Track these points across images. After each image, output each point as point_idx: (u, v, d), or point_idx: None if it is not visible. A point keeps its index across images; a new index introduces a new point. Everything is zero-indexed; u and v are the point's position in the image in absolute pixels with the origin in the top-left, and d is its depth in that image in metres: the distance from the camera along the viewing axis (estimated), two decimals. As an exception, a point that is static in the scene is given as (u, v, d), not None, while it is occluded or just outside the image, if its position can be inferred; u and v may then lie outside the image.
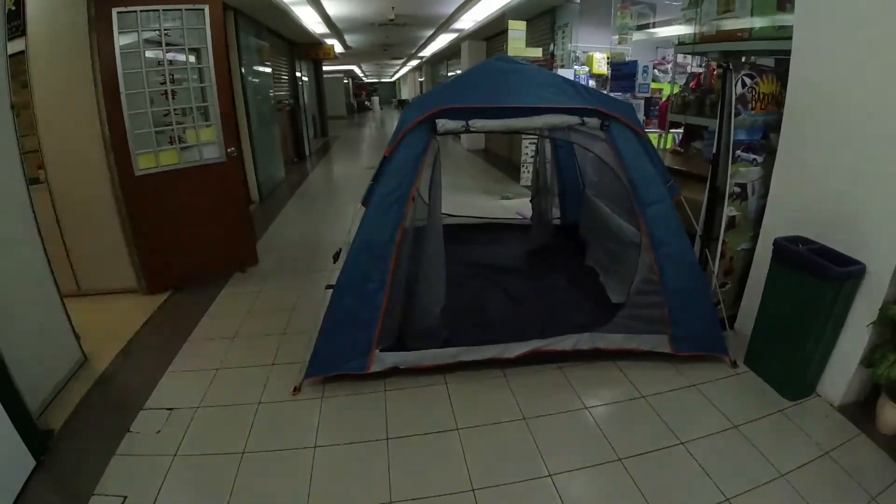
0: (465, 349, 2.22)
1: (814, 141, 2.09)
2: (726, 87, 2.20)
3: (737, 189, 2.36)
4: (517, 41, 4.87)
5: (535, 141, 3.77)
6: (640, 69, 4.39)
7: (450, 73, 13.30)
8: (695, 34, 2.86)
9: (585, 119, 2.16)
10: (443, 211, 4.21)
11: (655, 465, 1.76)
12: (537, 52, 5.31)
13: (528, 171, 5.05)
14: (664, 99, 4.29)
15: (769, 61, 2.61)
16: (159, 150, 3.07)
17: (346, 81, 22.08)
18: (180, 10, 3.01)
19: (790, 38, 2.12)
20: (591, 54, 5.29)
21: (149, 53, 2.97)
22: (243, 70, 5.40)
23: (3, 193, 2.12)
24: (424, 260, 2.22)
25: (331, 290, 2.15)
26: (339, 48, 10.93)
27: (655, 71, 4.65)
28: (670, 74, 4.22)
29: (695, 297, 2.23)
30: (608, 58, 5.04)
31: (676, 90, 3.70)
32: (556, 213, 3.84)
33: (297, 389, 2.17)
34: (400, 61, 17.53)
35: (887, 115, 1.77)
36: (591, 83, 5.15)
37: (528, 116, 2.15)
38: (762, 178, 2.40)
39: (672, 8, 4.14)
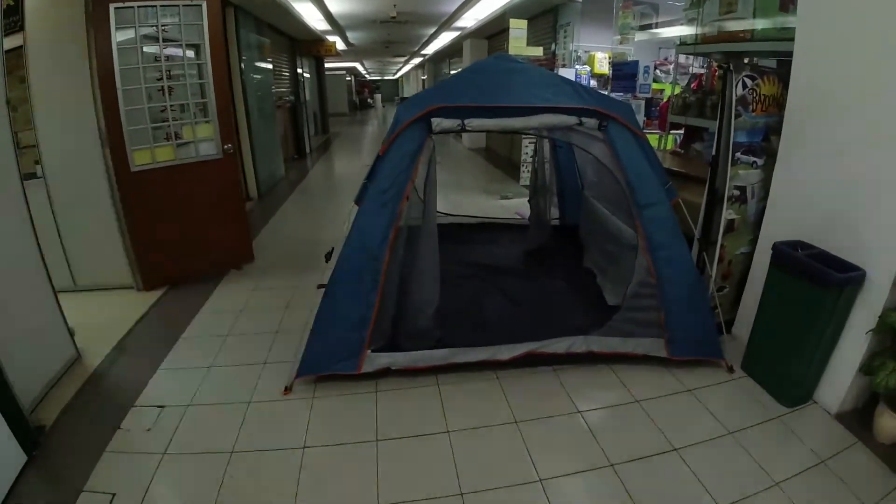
0: (457, 350, 2.20)
1: (815, 144, 2.05)
2: (726, 88, 2.17)
3: (736, 192, 2.33)
4: (518, 40, 4.84)
5: (535, 140, 3.74)
6: (641, 69, 4.35)
7: (451, 72, 13.27)
8: (696, 35, 2.83)
9: (583, 119, 2.13)
10: (441, 210, 4.24)
11: (647, 471, 1.73)
12: (538, 51, 5.27)
13: (528, 171, 5.01)
14: (665, 100, 4.25)
15: (771, 63, 2.58)
16: (155, 146, 3.05)
17: (348, 79, 22.07)
18: (178, 5, 3.00)
19: (792, 39, 2.08)
20: (592, 54, 5.26)
21: (146, 49, 2.96)
22: (243, 66, 5.37)
23: (-4, 188, 2.11)
24: (419, 260, 2.20)
25: (323, 290, 2.13)
26: (340, 45, 10.90)
27: (657, 71, 4.61)
28: (672, 75, 4.18)
29: (692, 301, 2.21)
30: (610, 58, 5.00)
31: (677, 91, 3.66)
32: (555, 213, 3.82)
33: (287, 389, 2.15)
34: (402, 59, 17.49)
35: (890, 119, 1.74)
36: (593, 83, 5.11)
37: (525, 116, 2.13)
38: (762, 182, 2.37)
39: (675, 8, 4.10)
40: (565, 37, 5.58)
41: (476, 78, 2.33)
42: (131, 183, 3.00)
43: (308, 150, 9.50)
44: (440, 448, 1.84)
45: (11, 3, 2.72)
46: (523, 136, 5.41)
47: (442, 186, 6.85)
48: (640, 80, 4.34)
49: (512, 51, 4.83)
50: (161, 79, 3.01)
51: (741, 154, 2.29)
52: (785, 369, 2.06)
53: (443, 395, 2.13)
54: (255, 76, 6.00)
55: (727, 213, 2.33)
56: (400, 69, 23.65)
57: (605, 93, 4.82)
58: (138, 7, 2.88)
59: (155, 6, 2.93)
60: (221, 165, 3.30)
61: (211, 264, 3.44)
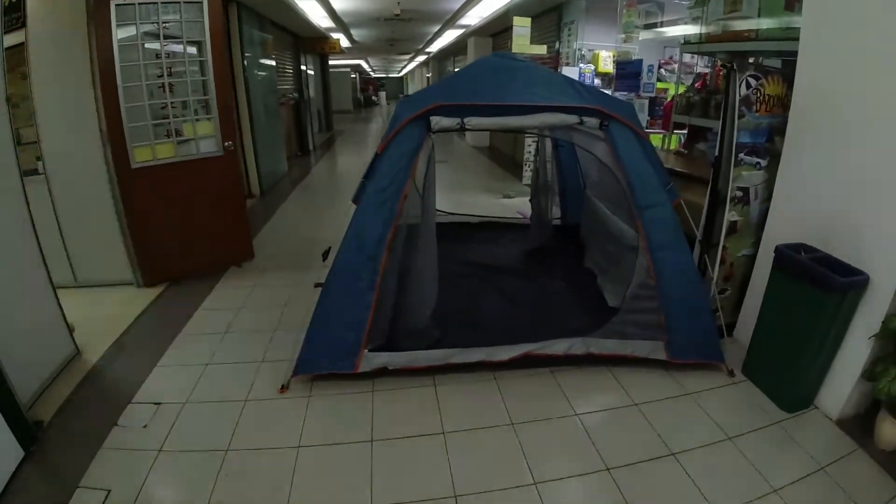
0: (455, 351, 2.19)
1: (819, 145, 2.02)
2: (730, 87, 2.14)
3: (739, 193, 2.29)
4: (522, 38, 4.80)
5: (537, 139, 3.71)
6: (644, 68, 4.30)
7: (456, 70, 13.22)
8: (700, 34, 2.79)
9: (584, 118, 2.11)
10: (442, 209, 4.22)
11: (644, 476, 1.72)
12: (542, 50, 5.23)
13: (530, 170, 4.99)
14: (669, 99, 4.21)
15: (776, 63, 2.54)
16: (156, 143, 3.05)
17: (353, 76, 22.05)
18: (178, 1, 2.99)
19: (797, 39, 2.05)
20: (596, 52, 5.21)
21: (147, 46, 2.95)
22: (246, 63, 5.37)
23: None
24: (417, 259, 2.19)
25: (320, 289, 2.12)
26: (345, 42, 10.88)
27: (662, 70, 4.56)
28: (676, 74, 4.13)
29: (692, 304, 2.18)
30: (614, 56, 4.96)
31: (682, 90, 3.62)
32: (557, 213, 3.79)
33: (284, 387, 2.15)
34: (407, 57, 17.45)
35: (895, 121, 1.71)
36: (597, 82, 5.07)
37: (526, 115, 2.10)
38: (765, 183, 2.33)
39: (680, 7, 4.05)
40: (569, 35, 5.53)
41: (476, 76, 2.31)
42: (132, 180, 3.01)
43: (312, 147, 9.50)
44: (435, 449, 1.83)
45: (13, 0, 2.72)
46: (526, 135, 5.38)
47: (444, 185, 6.86)
48: (644, 79, 4.30)
49: (515, 49, 4.80)
50: (162, 76, 3.01)
51: (744, 155, 2.25)
52: (786, 374, 2.03)
53: (439, 396, 2.12)
54: (258, 73, 6.00)
55: (730, 215, 2.30)
56: (405, 67, 23.61)
57: (609, 92, 4.80)
58: (139, 3, 2.88)
59: (156, 2, 2.93)
60: (222, 162, 3.30)
61: (211, 261, 3.44)
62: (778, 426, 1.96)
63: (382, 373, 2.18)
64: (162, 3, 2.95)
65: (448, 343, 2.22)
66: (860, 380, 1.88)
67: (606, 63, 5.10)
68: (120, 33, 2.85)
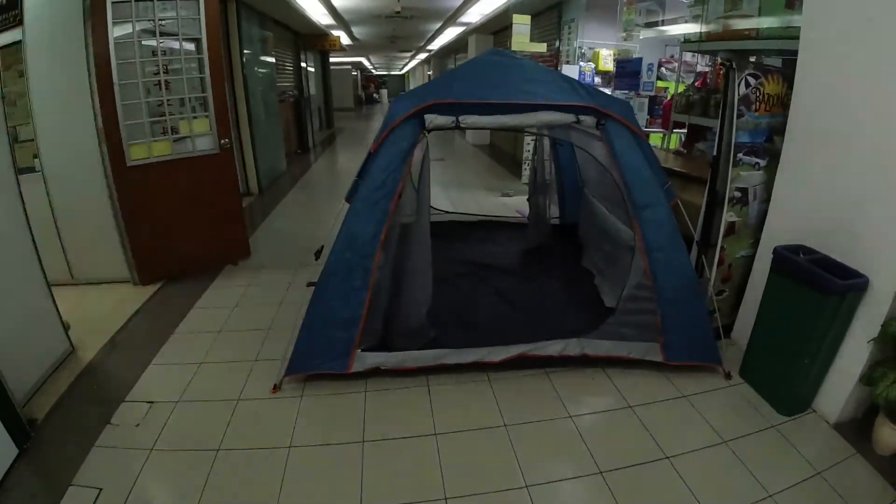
0: (448, 351, 2.17)
1: (820, 146, 1.99)
2: (729, 86, 2.11)
3: (737, 194, 2.27)
4: (521, 36, 4.77)
5: (535, 138, 3.69)
6: (644, 67, 4.27)
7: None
8: (700, 32, 2.76)
9: (581, 117, 2.09)
10: (440, 208, 4.20)
11: (637, 479, 1.70)
12: (542, 47, 5.20)
13: (529, 169, 4.96)
14: (668, 98, 4.17)
15: (777, 62, 2.50)
16: (152, 140, 3.04)
17: (354, 73, 22.00)
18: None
19: (798, 37, 2.02)
20: (597, 51, 5.18)
21: (143, 43, 2.94)
22: (245, 60, 5.35)
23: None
24: (411, 259, 2.17)
25: (313, 288, 2.10)
26: (345, 40, 10.85)
27: (663, 69, 4.52)
28: (676, 73, 4.10)
29: (689, 305, 2.16)
30: (615, 55, 4.92)
31: (682, 89, 3.58)
32: (555, 212, 3.77)
33: (276, 387, 2.13)
34: (409, 54, 17.39)
35: (897, 121, 1.68)
36: (597, 80, 5.03)
37: (521, 113, 2.08)
38: (764, 183, 2.31)
39: (682, 5, 4.01)
40: (569, 33, 5.50)
41: (472, 74, 2.29)
42: (128, 177, 3.00)
43: (311, 144, 9.48)
44: (427, 450, 1.82)
45: (10, -1, 2.71)
46: (526, 133, 5.35)
47: (444, 183, 6.84)
48: (644, 77, 4.26)
49: (515, 46, 4.77)
50: (158, 73, 3.00)
51: (743, 155, 2.22)
52: (783, 377, 2.01)
53: (432, 397, 2.10)
54: (257, 70, 5.97)
55: (728, 216, 2.27)
56: (406, 64, 23.54)
57: (609, 90, 4.76)
58: (136, 1, 2.86)
59: (152, 0, 2.91)
60: (218, 160, 3.28)
61: (207, 259, 3.44)
62: (775, 430, 1.94)
63: (375, 373, 2.17)
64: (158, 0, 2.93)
65: (443, 343, 2.20)
66: (858, 384, 1.86)
67: (607, 61, 5.06)
68: (116, 31, 2.84)
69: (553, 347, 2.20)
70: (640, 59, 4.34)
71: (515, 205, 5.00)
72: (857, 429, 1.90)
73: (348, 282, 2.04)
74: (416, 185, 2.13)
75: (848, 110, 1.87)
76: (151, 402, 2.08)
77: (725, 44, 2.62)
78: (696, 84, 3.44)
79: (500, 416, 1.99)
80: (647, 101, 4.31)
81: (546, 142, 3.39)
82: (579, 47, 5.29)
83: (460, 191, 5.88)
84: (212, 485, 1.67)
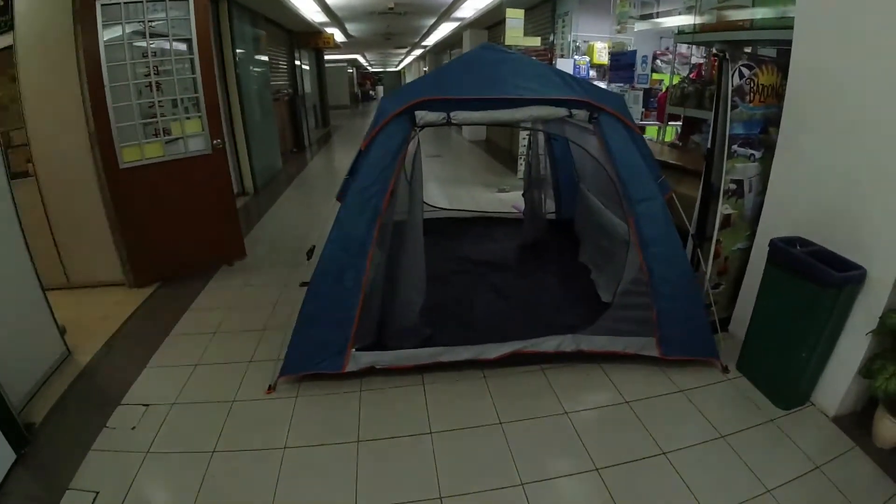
0: (443, 349, 2.16)
1: (815, 136, 1.97)
2: (722, 77, 2.08)
3: (733, 186, 2.25)
4: (515, 30, 4.72)
5: (530, 133, 3.66)
6: (639, 59, 4.23)
7: (452, 63, 13.08)
8: (694, 23, 2.73)
9: (573, 111, 2.06)
10: (436, 204, 4.17)
11: (634, 475, 1.69)
12: (536, 41, 5.16)
13: (524, 164, 4.93)
14: (663, 90, 4.14)
15: (771, 52, 2.48)
16: (144, 142, 3.02)
17: (350, 71, 21.90)
18: (164, 0, 2.94)
19: (792, 27, 1.98)
20: (592, 44, 5.14)
21: (134, 45, 2.91)
22: (238, 60, 5.31)
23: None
24: (404, 257, 2.15)
25: (306, 288, 2.09)
26: (340, 37, 10.78)
27: (658, 61, 4.49)
28: (671, 65, 4.06)
29: (685, 299, 2.14)
30: (609, 47, 4.88)
31: (676, 81, 3.55)
32: (551, 207, 3.75)
33: (271, 388, 2.12)
34: (404, 50, 17.29)
35: (894, 109, 1.65)
36: (592, 73, 5.00)
37: (513, 108, 2.06)
38: (760, 175, 2.28)
39: (677, -4, 3.98)
40: (563, 27, 5.45)
41: (463, 69, 2.25)
42: (120, 180, 2.98)
43: (307, 143, 9.44)
44: (422, 449, 1.81)
45: (1, 4, 2.68)
46: (521, 128, 5.32)
47: (440, 179, 6.80)
48: (638, 70, 4.22)
49: (509, 41, 4.73)
50: (149, 74, 2.97)
51: (738, 146, 2.20)
52: (781, 370, 1.99)
53: (427, 395, 2.09)
54: (250, 69, 5.93)
55: (723, 208, 2.25)
56: (402, 61, 23.42)
57: (604, 83, 4.73)
58: (125, 3, 2.84)
59: (141, 1, 2.88)
60: (211, 161, 3.26)
61: (202, 261, 3.42)
62: (773, 424, 1.92)
63: (370, 372, 2.16)
64: (148, 1, 2.90)
65: (438, 341, 2.19)
66: (857, 376, 1.84)
67: (602, 54, 5.03)
68: (107, 33, 2.81)
69: (548, 344, 2.18)
70: (634, 52, 4.31)
71: (511, 200, 4.97)
72: (857, 422, 1.89)
73: (341, 281, 2.03)
74: (409, 182, 2.11)
75: (843, 100, 1.84)
76: (147, 405, 2.08)
77: (719, 35, 2.59)
78: (691, 76, 3.41)
79: (496, 414, 1.98)
80: (641, 93, 4.28)
81: (541, 137, 3.36)
82: (573, 41, 5.24)
83: (456, 187, 5.86)
84: (207, 486, 1.66)
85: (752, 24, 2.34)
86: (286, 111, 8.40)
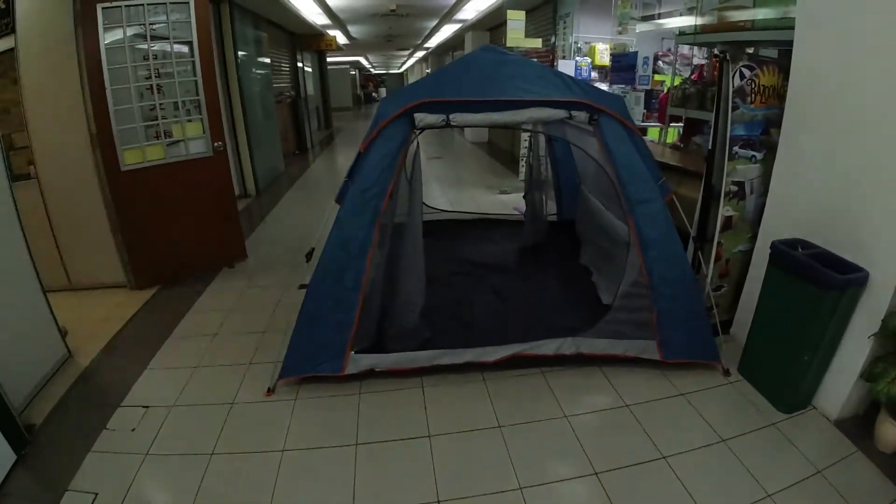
0: (442, 352, 2.15)
1: (817, 137, 1.95)
2: (723, 78, 2.07)
3: (734, 187, 2.23)
4: (516, 32, 4.72)
5: (531, 134, 3.65)
6: (640, 61, 4.22)
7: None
8: (695, 24, 2.72)
9: (573, 112, 2.06)
10: (437, 206, 4.17)
11: (633, 480, 1.67)
12: (537, 43, 5.15)
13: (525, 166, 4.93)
14: (665, 91, 4.12)
15: (772, 53, 2.46)
16: (145, 145, 3.03)
17: (352, 73, 21.95)
18: (165, 2, 2.96)
19: (794, 27, 1.97)
20: (593, 45, 5.13)
21: (135, 48, 2.92)
22: (239, 62, 5.33)
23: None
24: (403, 259, 2.15)
25: (305, 290, 2.09)
26: (342, 39, 10.81)
27: (660, 63, 4.47)
28: (672, 66, 4.05)
29: (686, 301, 2.13)
30: (611, 49, 4.87)
31: (678, 82, 3.54)
32: (553, 208, 3.74)
33: (270, 390, 2.12)
34: (406, 52, 17.32)
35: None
36: (594, 75, 4.99)
37: (513, 110, 2.05)
38: (761, 177, 2.27)
39: (679, -2, 3.96)
40: (565, 28, 5.45)
41: (462, 71, 2.25)
42: (121, 182, 2.99)
43: (310, 145, 9.47)
44: (420, 453, 1.80)
45: (2, 7, 2.70)
46: (523, 130, 5.31)
47: (442, 181, 6.80)
48: (640, 71, 4.21)
49: (510, 43, 4.73)
50: (150, 77, 2.99)
51: (739, 148, 2.19)
52: (783, 373, 1.98)
53: (426, 398, 2.09)
54: (252, 71, 5.96)
55: (724, 210, 2.24)
56: (404, 63, 23.46)
57: (606, 85, 4.72)
58: (125, 6, 2.85)
59: (142, 4, 2.90)
60: (212, 163, 3.28)
61: (203, 262, 3.43)
62: (774, 427, 1.91)
63: (370, 374, 2.15)
64: (148, 4, 2.92)
65: (438, 343, 2.18)
66: (859, 380, 1.82)
67: (603, 56, 5.02)
68: (108, 36, 2.83)
69: (548, 346, 2.18)
70: (635, 53, 4.30)
71: (513, 202, 4.97)
72: (859, 426, 1.87)
73: (340, 283, 2.03)
74: (409, 183, 2.11)
75: (845, 101, 1.83)
76: (147, 407, 2.08)
77: (721, 35, 2.58)
78: (693, 77, 3.40)
79: (495, 417, 1.97)
80: (643, 94, 4.26)
81: (542, 138, 3.36)
82: (575, 42, 5.24)
83: (458, 188, 5.86)
84: (205, 489, 1.66)
85: (753, 25, 2.32)
86: (288, 113, 8.43)
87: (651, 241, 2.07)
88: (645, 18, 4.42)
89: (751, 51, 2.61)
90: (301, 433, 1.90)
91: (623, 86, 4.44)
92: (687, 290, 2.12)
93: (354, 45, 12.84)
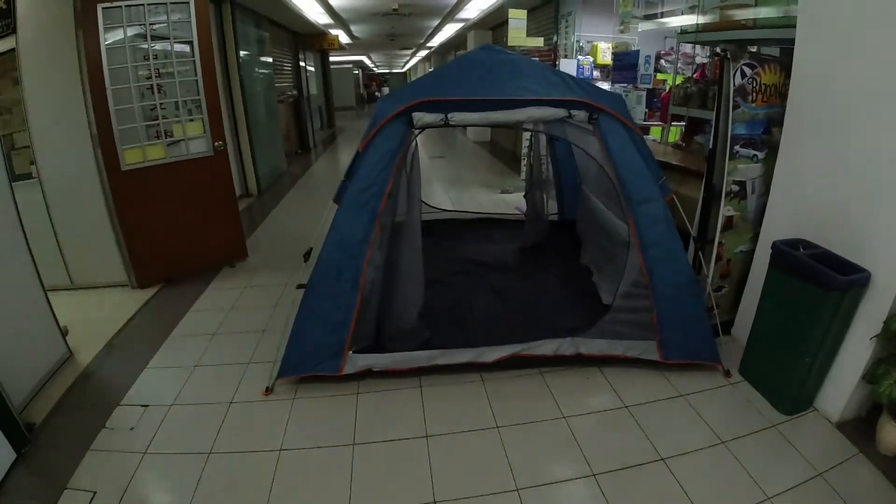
0: (440, 352, 2.15)
1: (819, 136, 1.93)
2: (724, 77, 2.05)
3: (735, 187, 2.21)
4: (517, 31, 4.70)
5: (531, 134, 3.64)
6: (642, 59, 4.19)
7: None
8: (697, 23, 2.69)
9: (572, 111, 2.04)
10: (438, 206, 4.16)
11: (631, 482, 1.66)
12: (539, 42, 5.13)
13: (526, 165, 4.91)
14: (667, 90, 4.10)
15: (774, 51, 2.44)
16: (146, 144, 3.04)
17: (355, 72, 21.97)
18: (165, 2, 2.96)
19: (795, 26, 1.95)
20: (595, 44, 5.10)
21: (136, 47, 2.93)
22: (241, 62, 5.34)
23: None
24: (401, 260, 2.14)
25: (303, 290, 2.09)
26: (344, 38, 10.82)
27: (662, 61, 4.44)
28: (674, 65, 4.02)
29: (686, 302, 2.11)
30: (613, 48, 4.84)
31: (679, 81, 3.51)
32: (554, 208, 3.72)
33: (268, 390, 2.12)
34: (409, 52, 17.31)
35: (898, 109, 1.62)
36: (596, 74, 4.97)
37: (511, 109, 2.04)
38: (763, 176, 2.25)
39: (682, -4, 3.92)
40: (567, 27, 5.42)
41: (461, 70, 2.25)
42: (122, 182, 3.00)
43: (312, 144, 9.48)
44: (417, 453, 1.80)
45: (3, 7, 2.72)
46: (524, 129, 5.29)
47: (443, 180, 6.79)
48: (641, 70, 4.18)
49: (512, 42, 4.71)
50: (150, 77, 2.99)
51: (740, 147, 2.17)
52: (784, 375, 1.96)
53: (424, 398, 2.08)
54: (254, 71, 5.97)
55: (725, 210, 2.22)
56: (407, 62, 23.46)
57: (608, 84, 4.70)
58: (126, 6, 2.86)
59: (142, 4, 2.91)
60: (213, 162, 3.28)
61: (204, 262, 3.44)
62: (775, 429, 1.89)
63: (368, 374, 2.15)
64: (148, 4, 2.92)
65: (437, 343, 2.18)
66: (861, 382, 1.80)
67: (605, 55, 4.99)
68: (108, 36, 2.84)
69: (547, 347, 2.17)
70: (637, 52, 4.27)
71: (514, 201, 4.95)
72: (861, 428, 1.85)
73: (338, 283, 2.03)
74: (407, 184, 2.11)
75: (847, 99, 1.81)
76: (146, 406, 2.09)
77: (722, 34, 2.56)
78: (695, 76, 3.37)
79: (493, 418, 1.96)
80: (645, 93, 4.24)
81: (542, 138, 3.34)
82: (577, 41, 5.21)
83: (460, 188, 5.85)
84: (202, 488, 1.67)
85: (755, 24, 2.30)
86: (291, 113, 8.45)
87: (651, 240, 2.06)
88: (648, 17, 4.39)
89: (754, 49, 2.59)
90: (299, 433, 1.91)
91: (625, 85, 4.42)
92: (687, 291, 2.10)
93: (357, 45, 12.85)
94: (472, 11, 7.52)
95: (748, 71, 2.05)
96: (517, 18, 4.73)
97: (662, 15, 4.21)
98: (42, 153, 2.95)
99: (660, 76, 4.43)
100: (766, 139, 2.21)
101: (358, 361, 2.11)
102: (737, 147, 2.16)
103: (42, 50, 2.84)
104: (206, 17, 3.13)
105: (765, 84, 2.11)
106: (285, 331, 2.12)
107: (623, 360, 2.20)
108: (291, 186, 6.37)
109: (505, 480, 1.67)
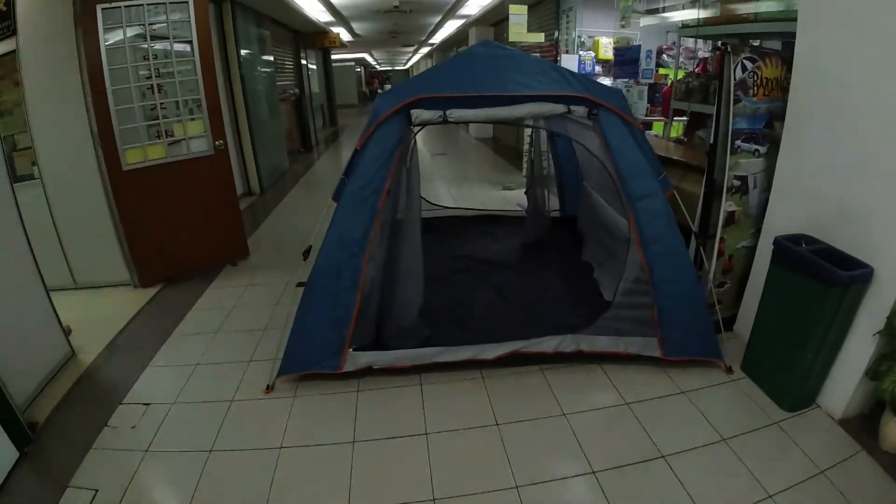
0: (441, 350, 2.14)
1: (821, 131, 1.91)
2: (724, 71, 2.03)
3: (736, 182, 2.19)
4: (518, 26, 4.68)
5: (532, 130, 3.62)
6: (643, 54, 4.15)
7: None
8: (698, 17, 2.67)
9: (572, 107, 2.03)
10: (439, 203, 4.15)
11: (631, 479, 1.66)
12: (540, 38, 5.10)
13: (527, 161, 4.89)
14: (668, 85, 4.06)
15: (776, 45, 2.41)
16: (147, 144, 3.05)
17: (357, 70, 21.93)
18: (164, 2, 2.97)
19: (796, 19, 1.93)
20: (597, 39, 5.07)
21: (136, 47, 2.94)
22: (242, 60, 5.34)
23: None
24: (401, 258, 2.14)
25: (303, 288, 2.09)
26: (346, 36, 10.80)
27: (664, 56, 4.40)
28: (676, 60, 3.98)
29: (687, 298, 2.10)
30: (615, 43, 4.81)
31: (681, 76, 3.48)
32: (556, 204, 3.70)
33: (269, 388, 2.13)
34: (411, 49, 17.27)
35: (902, 102, 1.59)
36: (598, 69, 4.93)
37: (510, 105, 2.03)
38: (765, 171, 2.23)
39: (683, -10, 3.88)
40: (568, 22, 5.38)
41: (460, 67, 2.24)
42: (124, 182, 3.02)
43: (314, 142, 9.49)
44: (417, 451, 1.80)
45: (3, 9, 2.73)
46: (525, 125, 5.27)
47: (445, 177, 6.77)
48: (643, 65, 4.15)
49: (512, 37, 4.69)
50: (150, 77, 3.00)
51: (742, 142, 2.15)
52: (786, 371, 1.94)
53: (424, 395, 2.08)
54: (255, 69, 5.97)
55: (727, 205, 2.20)
56: (410, 59, 23.40)
57: (609, 79, 4.66)
58: (125, 7, 2.87)
59: (142, 5, 2.91)
60: (214, 161, 3.29)
61: (206, 260, 3.45)
62: (777, 426, 1.88)
63: (368, 372, 2.15)
64: (148, 4, 2.93)
65: (438, 340, 2.18)
66: (864, 378, 1.79)
67: (607, 50, 4.95)
68: (108, 37, 2.85)
69: (547, 344, 2.16)
70: (638, 47, 4.23)
71: (516, 198, 4.94)
72: (864, 425, 1.84)
73: (338, 281, 2.03)
74: (407, 181, 2.10)
75: (849, 93, 1.79)
76: (148, 404, 2.10)
77: (724, 28, 2.53)
78: (696, 70, 3.34)
79: (493, 415, 1.96)
80: (646, 88, 4.20)
81: (543, 134, 3.32)
82: (578, 36, 5.18)
83: (462, 185, 5.84)
84: (203, 485, 1.68)
85: (756, 17, 2.27)
86: (293, 111, 8.45)
87: (652, 236, 2.04)
88: (650, 12, 4.35)
89: (756, 43, 2.56)
90: (299, 430, 1.91)
91: (626, 80, 4.38)
92: (688, 287, 2.09)
93: (359, 42, 12.83)
94: (473, 7, 7.49)
95: (749, 65, 2.03)
96: (518, 14, 4.70)
97: (664, 9, 4.18)
98: (43, 154, 2.97)
99: (661, 71, 4.39)
100: (767, 133, 2.19)
101: (358, 359, 2.11)
102: (738, 142, 2.14)
103: (42, 51, 2.85)
104: (205, 17, 3.13)
105: (766, 78, 2.08)
106: (286, 329, 2.13)
107: (624, 356, 2.19)
108: (293, 185, 6.38)
109: (504, 477, 1.67)
